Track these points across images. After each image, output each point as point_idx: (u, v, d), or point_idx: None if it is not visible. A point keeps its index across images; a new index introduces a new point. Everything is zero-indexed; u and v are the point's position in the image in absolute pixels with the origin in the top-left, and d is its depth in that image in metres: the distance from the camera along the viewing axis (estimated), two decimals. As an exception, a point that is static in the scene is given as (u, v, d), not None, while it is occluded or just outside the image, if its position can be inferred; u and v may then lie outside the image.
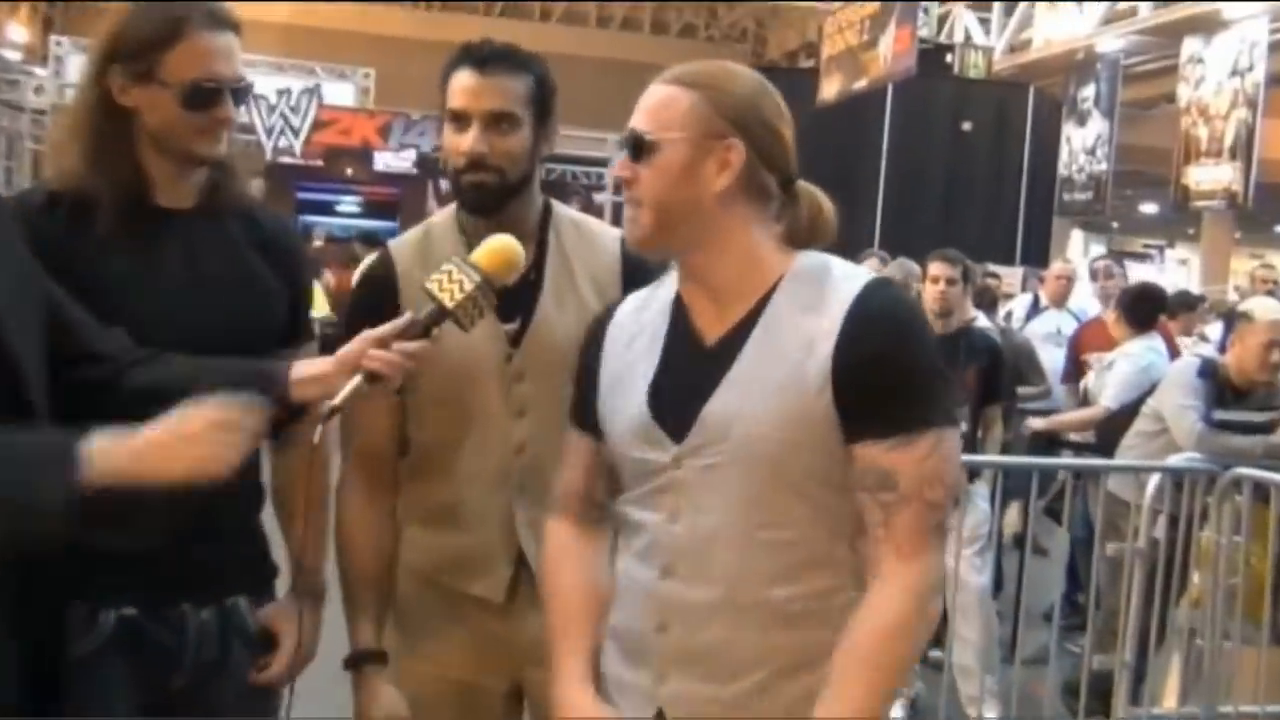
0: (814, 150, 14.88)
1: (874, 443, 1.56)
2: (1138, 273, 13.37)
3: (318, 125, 17.03)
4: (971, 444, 4.98)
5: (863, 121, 14.48)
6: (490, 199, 2.06)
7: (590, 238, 2.18)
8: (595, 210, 21.58)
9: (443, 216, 2.21)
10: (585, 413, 1.81)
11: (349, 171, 18.04)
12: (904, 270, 5.82)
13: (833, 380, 1.56)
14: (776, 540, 1.60)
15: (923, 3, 15.06)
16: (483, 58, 2.04)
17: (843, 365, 1.56)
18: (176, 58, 1.90)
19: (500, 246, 1.83)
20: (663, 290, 1.77)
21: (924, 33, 15.38)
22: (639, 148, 1.66)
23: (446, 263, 1.81)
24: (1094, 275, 7.81)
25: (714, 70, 1.69)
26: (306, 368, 1.81)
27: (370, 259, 2.36)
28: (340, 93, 18.53)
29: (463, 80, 2.04)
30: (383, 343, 1.79)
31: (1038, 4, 15.62)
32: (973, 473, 4.75)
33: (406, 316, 1.83)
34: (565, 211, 2.21)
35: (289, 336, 2.11)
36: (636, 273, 2.08)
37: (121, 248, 1.91)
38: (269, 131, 16.66)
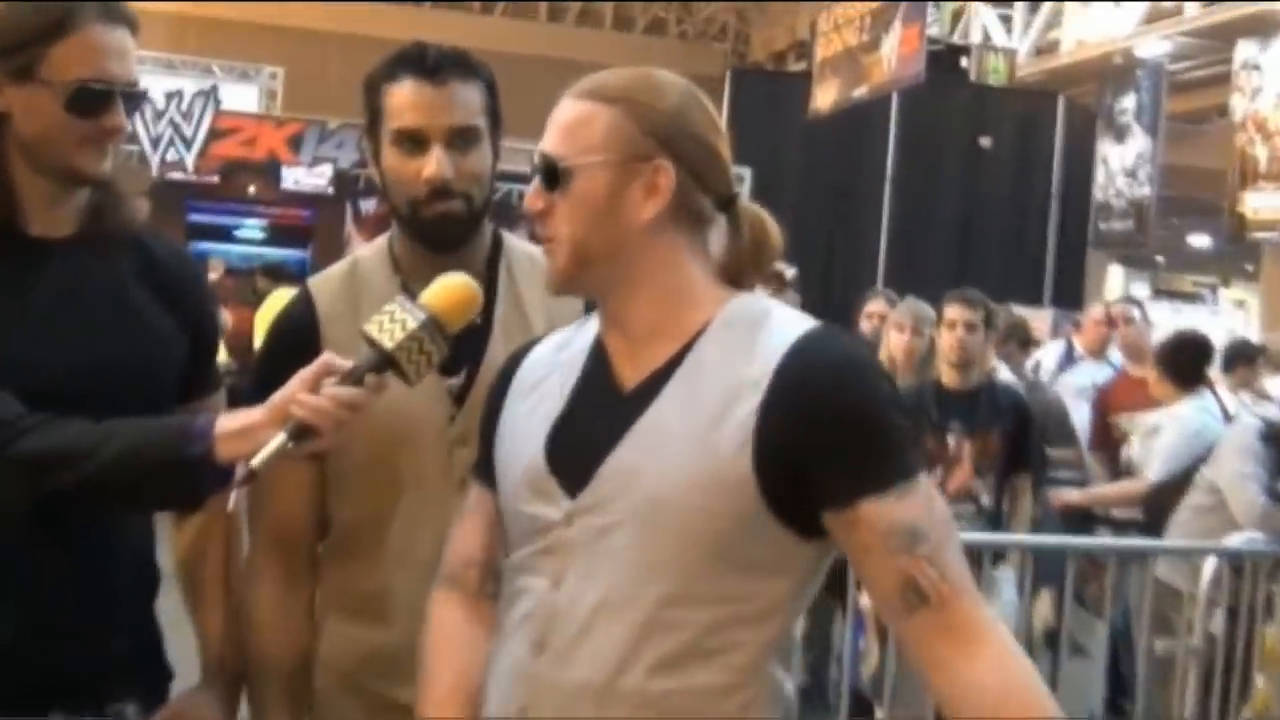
0: (805, 169, 15.04)
1: (877, 499, 1.58)
2: (1187, 316, 13.51)
3: (214, 135, 17.00)
4: (996, 520, 5.00)
5: (863, 135, 14.61)
6: (458, 230, 2.08)
7: None
8: (545, 238, 21.51)
9: (372, 250, 2.22)
10: (486, 464, 1.83)
11: (251, 190, 17.99)
12: (913, 312, 5.84)
13: (755, 441, 1.58)
14: (670, 620, 1.61)
15: (933, -3, 15.25)
16: (433, 65, 2.05)
17: (771, 424, 1.58)
18: (62, 53, 1.90)
19: (454, 285, 1.81)
20: (588, 327, 1.80)
21: (934, 32, 15.54)
22: (552, 175, 1.68)
23: (389, 303, 1.79)
24: (1110, 321, 7.64)
25: (632, 79, 1.71)
26: (232, 420, 1.80)
27: (276, 296, 2.36)
28: (242, 96, 18.57)
29: (410, 93, 2.05)
30: (313, 388, 1.77)
31: (1068, 0, 15.85)
32: (998, 554, 4.76)
33: (348, 361, 1.80)
34: (518, 244, 2.22)
35: (190, 388, 2.10)
36: None
37: None
38: (155, 142, 16.60)
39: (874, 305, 7.14)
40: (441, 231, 2.07)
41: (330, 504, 2.15)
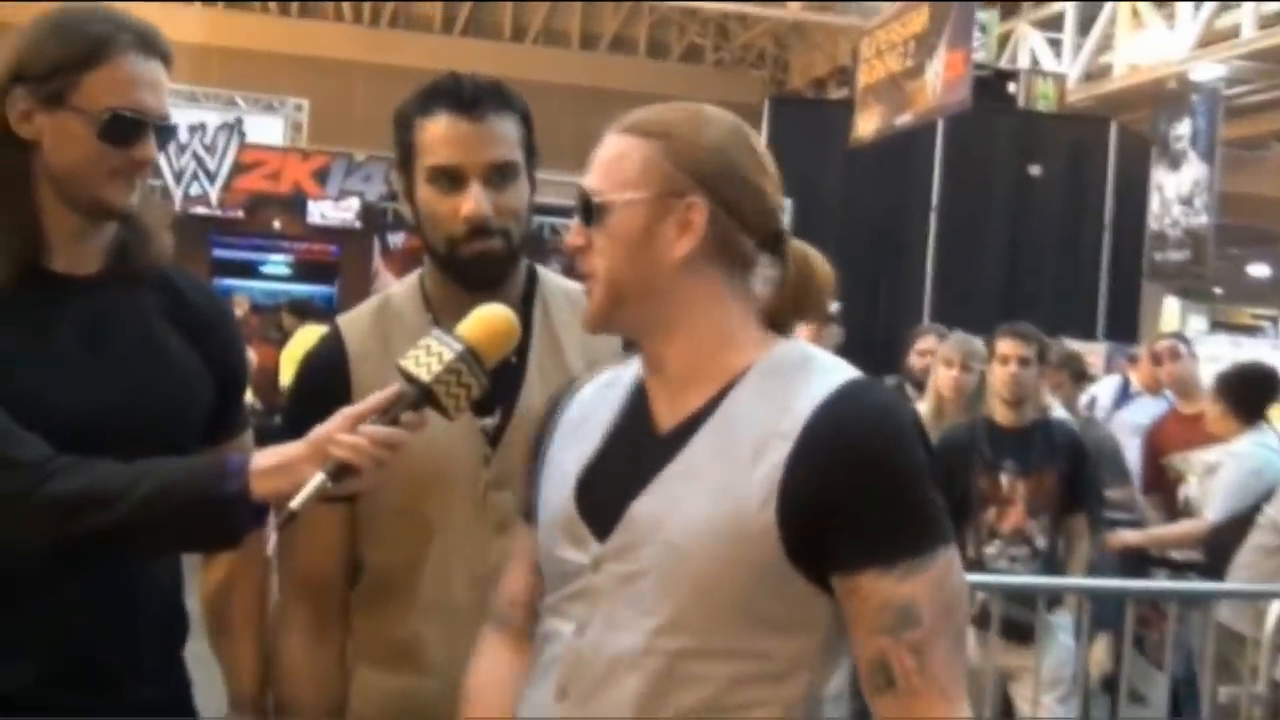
0: (848, 200, 15.03)
1: (881, 572, 1.57)
2: (1247, 350, 13.41)
3: (239, 168, 17.12)
4: (1051, 563, 4.97)
5: (908, 164, 14.60)
6: (496, 269, 2.09)
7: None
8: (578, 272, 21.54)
9: (404, 287, 2.23)
10: (531, 505, 1.85)
11: (277, 225, 18.11)
12: (962, 348, 5.82)
13: (780, 495, 1.58)
14: (690, 674, 1.60)
15: (979, 19, 15.24)
16: (469, 98, 2.06)
17: (796, 477, 1.58)
18: (97, 81, 1.93)
19: (491, 317, 1.81)
20: (634, 365, 1.81)
21: (981, 56, 15.56)
22: (589, 211, 1.70)
23: (425, 336, 1.79)
24: (1156, 358, 7.54)
25: (676, 115, 1.73)
26: (268, 457, 1.81)
27: (303, 333, 2.38)
28: (267, 128, 18.71)
29: (446, 128, 2.06)
30: (352, 428, 1.77)
31: (1119, 22, 15.85)
32: (1053, 599, 4.73)
33: (388, 391, 1.80)
34: (553, 280, 2.23)
35: (217, 428, 2.11)
36: None
37: (5, 321, 1.93)
38: (179, 176, 16.74)
39: (926, 342, 7.07)
40: (480, 270, 2.08)
41: (361, 549, 2.15)
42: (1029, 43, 17.82)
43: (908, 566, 1.57)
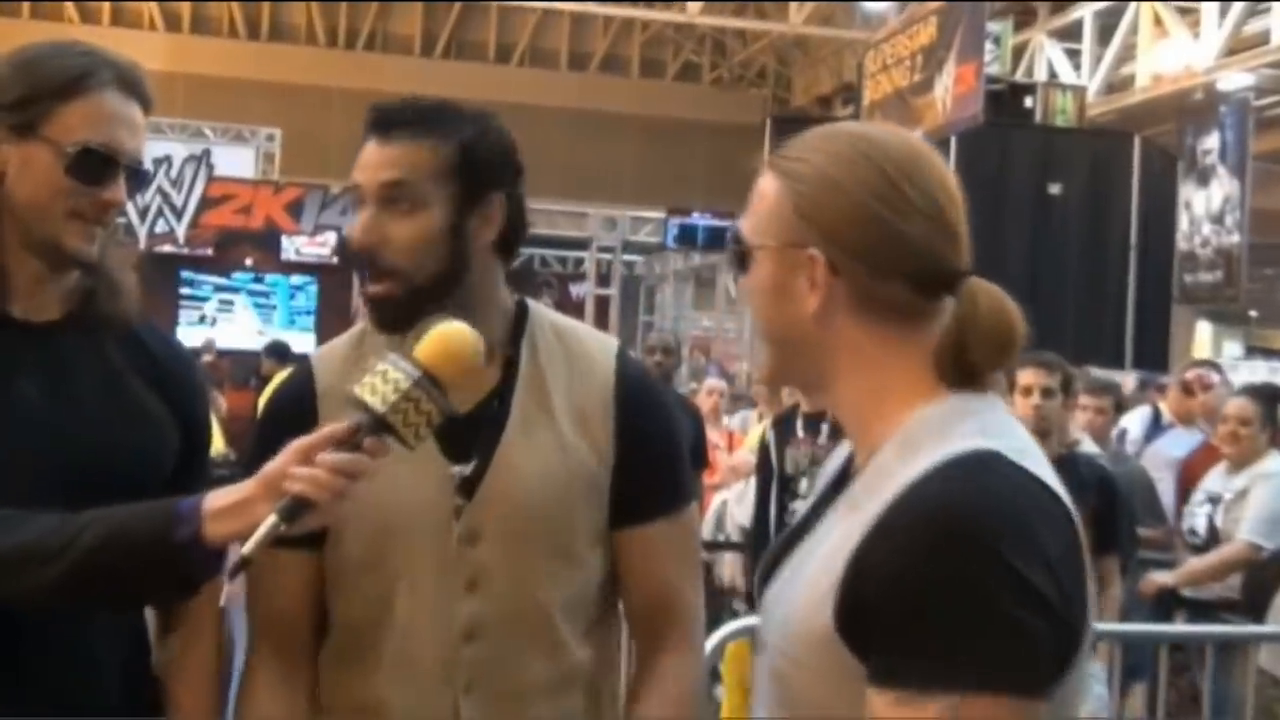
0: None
1: (881, 691, 1.40)
2: (1286, 376, 13.40)
3: (207, 203, 17.24)
4: (1081, 607, 4.96)
5: (919, 185, 14.65)
6: (397, 314, 2.03)
7: (577, 353, 2.16)
8: (573, 307, 21.73)
9: None
10: None
11: (249, 262, 18.20)
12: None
13: (839, 591, 1.45)
14: None
15: (992, 30, 15.31)
16: (386, 120, 2.06)
17: (855, 574, 1.44)
18: (72, 114, 1.94)
19: (449, 335, 1.79)
20: None
21: (995, 69, 15.64)
22: (736, 256, 1.65)
23: (381, 362, 1.77)
24: (1186, 388, 7.47)
25: (814, 149, 1.61)
26: (221, 497, 1.79)
27: (282, 377, 2.37)
28: (237, 160, 18.80)
29: (364, 150, 2.06)
30: (308, 460, 1.76)
31: (1141, 30, 15.91)
32: (1083, 645, 4.72)
33: (342, 425, 1.77)
34: (546, 318, 2.20)
35: (180, 482, 2.12)
36: (636, 403, 2.10)
37: None
38: (143, 213, 16.82)
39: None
40: (377, 312, 2.06)
41: (328, 603, 2.14)
42: (1046, 54, 17.90)
43: (899, 695, 1.38)
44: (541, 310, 2.20)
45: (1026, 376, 5.08)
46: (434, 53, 26.24)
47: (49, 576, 1.76)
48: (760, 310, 1.62)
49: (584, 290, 20.29)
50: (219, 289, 18.50)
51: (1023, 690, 1.36)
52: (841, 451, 1.76)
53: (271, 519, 1.71)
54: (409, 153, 2.03)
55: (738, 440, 8.70)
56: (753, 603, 1.67)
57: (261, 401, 10.77)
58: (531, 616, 2.04)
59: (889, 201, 1.54)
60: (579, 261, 20.52)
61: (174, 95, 23.62)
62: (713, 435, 8.33)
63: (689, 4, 20.64)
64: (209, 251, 17.86)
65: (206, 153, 17.31)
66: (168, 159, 16.84)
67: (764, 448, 5.67)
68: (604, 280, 19.80)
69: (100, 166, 1.95)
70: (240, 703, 2.15)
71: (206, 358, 14.88)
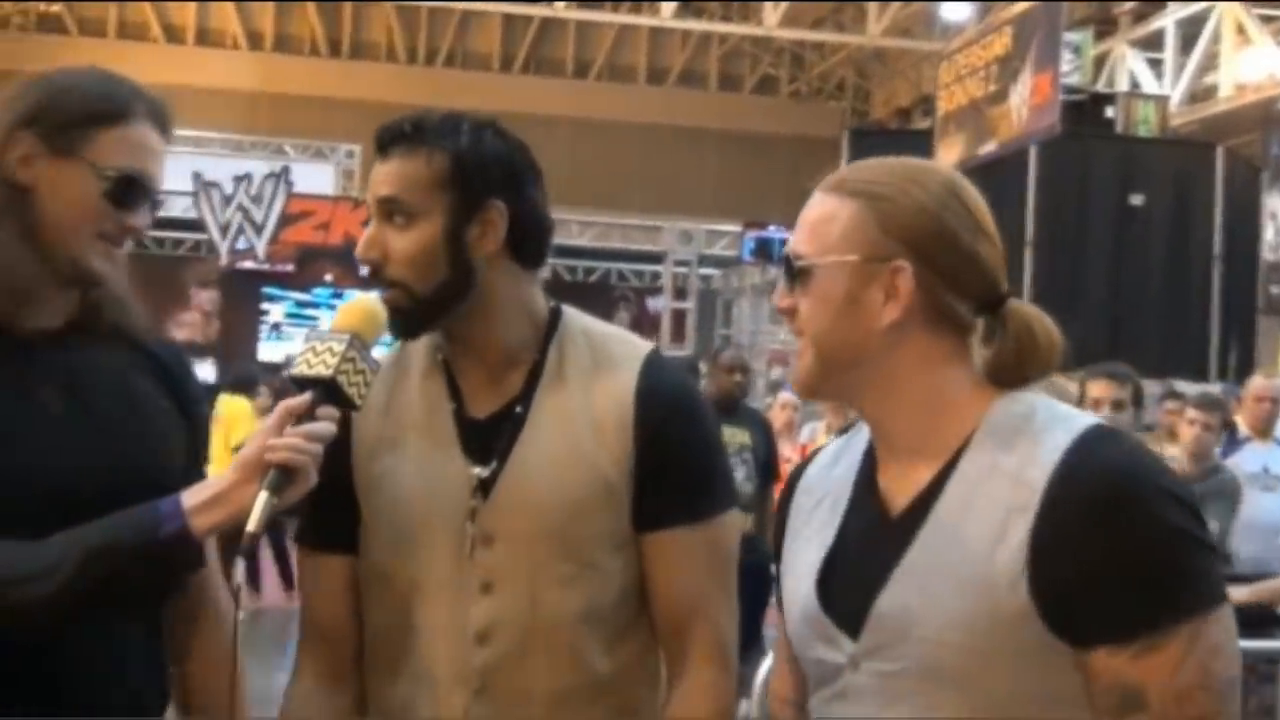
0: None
1: (1112, 650, 1.55)
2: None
3: (287, 219, 17.41)
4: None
5: (998, 195, 14.46)
6: (405, 323, 2.08)
7: (604, 361, 2.16)
8: (650, 321, 21.77)
9: (423, 339, 2.24)
10: (780, 598, 1.88)
11: (329, 277, 18.36)
12: (1056, 392, 5.78)
13: (1030, 571, 1.56)
14: None
15: (1072, 40, 15.20)
16: (387, 136, 2.10)
17: (1044, 549, 1.56)
18: (112, 140, 1.99)
19: (357, 305, 1.98)
20: (860, 436, 1.83)
21: (1075, 79, 15.51)
22: (794, 274, 1.73)
23: (308, 342, 1.91)
24: (1266, 398, 7.29)
25: (884, 174, 1.74)
26: (200, 491, 1.86)
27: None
28: (316, 176, 19.01)
29: (374, 167, 2.12)
30: (280, 433, 1.85)
31: (1224, 39, 15.74)
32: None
33: (296, 400, 1.89)
34: (579, 324, 2.20)
35: (190, 478, 2.14)
36: (658, 409, 2.10)
37: None
38: (224, 229, 17.03)
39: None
40: (389, 319, 2.08)
41: (363, 609, 2.17)
42: (1127, 64, 17.74)
43: (1146, 643, 1.53)
44: (575, 317, 2.21)
45: (1097, 389, 5.05)
46: (513, 69, 26.40)
47: (40, 597, 1.78)
48: (820, 323, 1.71)
49: (660, 304, 20.29)
50: (300, 305, 18.70)
51: (1224, 596, 1.59)
52: (834, 468, 1.84)
53: (264, 495, 1.81)
54: (403, 167, 2.07)
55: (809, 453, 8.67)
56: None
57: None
58: (545, 620, 2.05)
59: (961, 220, 1.70)
60: (655, 275, 20.53)
61: (257, 113, 23.99)
62: (785, 449, 8.34)
63: (767, 17, 20.62)
64: (289, 268, 18.05)
65: (285, 170, 17.49)
66: (248, 176, 17.05)
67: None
68: (680, 294, 19.82)
69: (135, 193, 2.01)
70: (286, 705, 2.18)
71: (287, 373, 15.04)
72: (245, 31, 26.01)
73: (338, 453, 2.01)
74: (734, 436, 7.19)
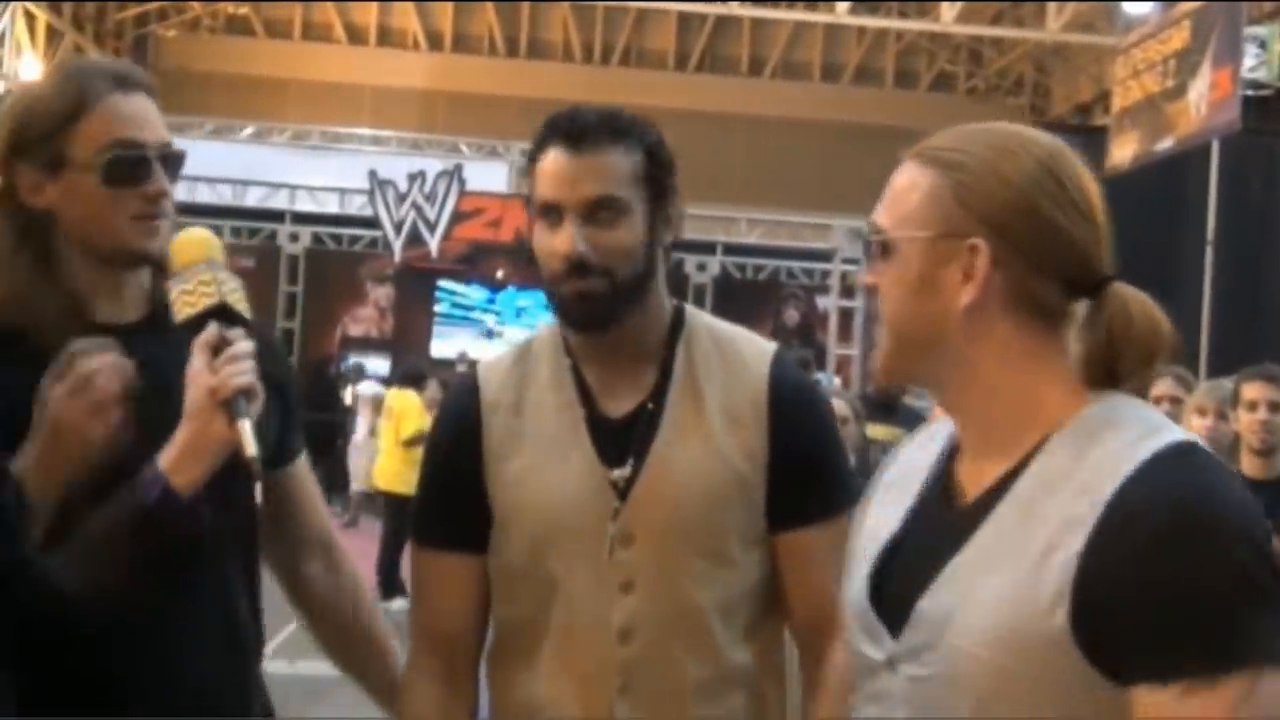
0: (1113, 234, 14.78)
1: (1153, 689, 1.41)
2: None
3: (459, 216, 17.61)
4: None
5: (1180, 194, 14.20)
6: (599, 311, 2.10)
7: (731, 357, 2.19)
8: (818, 319, 21.66)
9: (546, 333, 2.26)
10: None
11: (500, 274, 18.56)
12: (1217, 395, 5.62)
13: (1073, 593, 1.44)
14: None
15: (1258, 34, 14.79)
16: (576, 131, 2.09)
17: (1092, 571, 1.44)
18: (87, 131, 2.04)
19: (190, 239, 2.01)
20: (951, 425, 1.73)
21: (1261, 75, 15.08)
22: (873, 248, 1.65)
23: (174, 289, 1.98)
24: None
25: (975, 142, 1.61)
26: (169, 451, 1.89)
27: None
28: (488, 174, 19.17)
29: (552, 162, 2.10)
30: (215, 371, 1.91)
31: None
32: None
33: (206, 334, 1.94)
34: (704, 323, 2.23)
35: (275, 454, 2.22)
36: (790, 406, 2.12)
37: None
38: (398, 226, 17.30)
39: (1162, 387, 6.76)
40: (578, 310, 2.11)
41: (493, 600, 2.20)
42: (1317, 57, 17.19)
43: (1188, 686, 1.39)
44: (699, 316, 2.24)
45: (1251, 390, 4.92)
46: (688, 67, 26.42)
47: (72, 595, 1.83)
48: (897, 303, 1.61)
49: (828, 302, 20.15)
50: (455, 305, 18.89)
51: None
52: (917, 453, 1.74)
53: (245, 422, 1.88)
54: (607, 162, 2.09)
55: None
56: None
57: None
58: (686, 617, 2.07)
59: (1053, 196, 1.56)
60: (825, 274, 20.38)
61: (435, 112, 24.35)
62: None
63: (944, 13, 20.35)
64: (462, 266, 18.28)
65: (458, 167, 17.71)
66: (421, 174, 17.29)
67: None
68: (848, 292, 19.63)
69: (131, 165, 2.05)
70: (403, 698, 2.23)
71: (460, 367, 15.26)
72: (425, 31, 26.40)
73: (467, 452, 2.11)
74: (894, 435, 7.13)
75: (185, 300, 1.93)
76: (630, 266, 2.09)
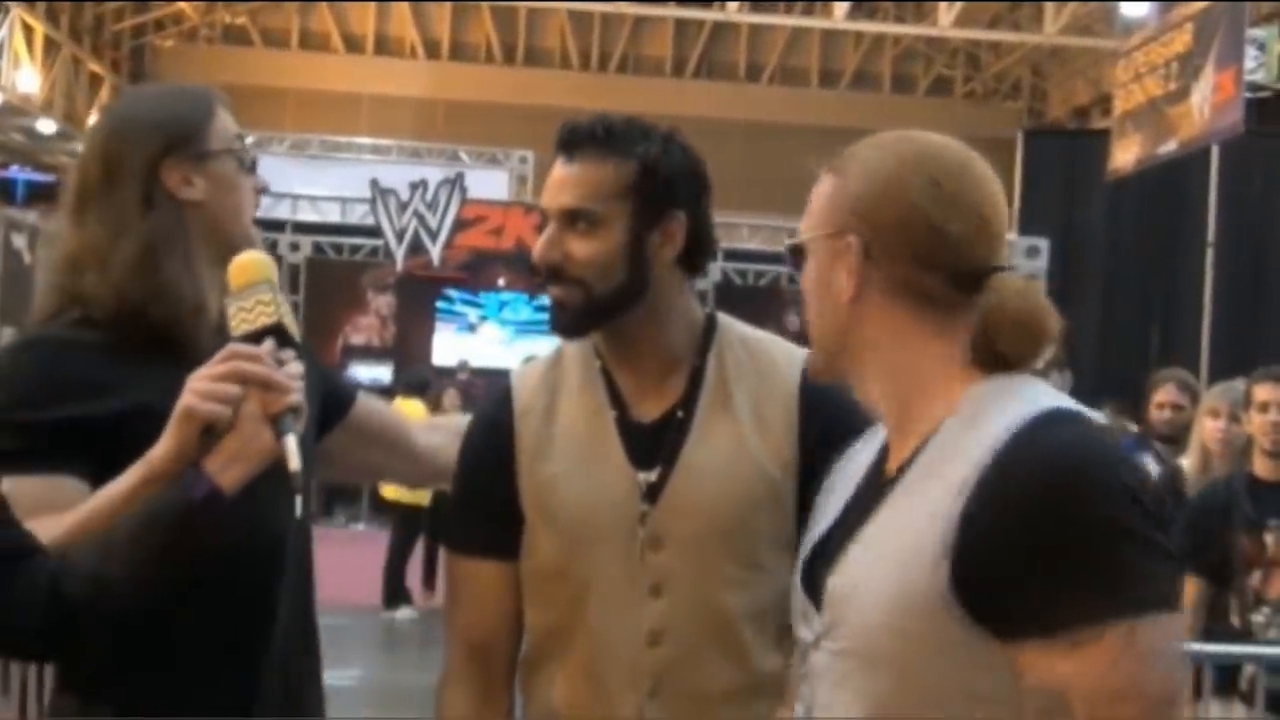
0: (1112, 237, 14.82)
1: (1042, 644, 1.49)
2: None
3: (460, 225, 17.57)
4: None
5: (1180, 197, 14.26)
6: (571, 319, 2.13)
7: (763, 363, 2.21)
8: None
9: (579, 342, 2.29)
10: None
11: (501, 282, 18.56)
12: (1229, 396, 5.66)
13: (954, 553, 1.51)
14: None
15: (1257, 37, 14.82)
16: (570, 140, 2.13)
17: (970, 532, 1.51)
18: (218, 126, 2.19)
19: (249, 261, 2.02)
20: None
21: (1261, 77, 15.11)
22: (791, 254, 1.77)
23: (230, 306, 1.98)
24: None
25: (866, 145, 1.73)
26: (215, 458, 1.91)
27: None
28: (489, 182, 19.14)
29: (553, 169, 2.16)
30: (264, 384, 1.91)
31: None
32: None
33: (258, 349, 1.94)
34: (737, 331, 2.25)
35: (333, 410, 2.36)
36: (821, 410, 2.13)
37: (180, 372, 2.02)
38: (400, 235, 17.28)
39: (1165, 392, 6.65)
40: (554, 315, 2.15)
41: (525, 606, 2.22)
42: (1316, 59, 17.23)
43: (1075, 639, 1.47)
44: (731, 324, 2.27)
45: (1262, 392, 4.93)
46: (685, 73, 26.47)
47: (116, 598, 1.89)
48: (810, 303, 1.73)
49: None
50: (449, 312, 18.86)
51: (1175, 604, 1.52)
52: (864, 448, 1.82)
53: (291, 437, 1.89)
54: (589, 174, 2.12)
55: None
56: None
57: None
58: (715, 621, 2.09)
59: (926, 193, 1.65)
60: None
61: (434, 120, 24.37)
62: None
63: (941, 17, 20.40)
64: (463, 274, 18.24)
65: (460, 176, 17.65)
66: (423, 183, 17.25)
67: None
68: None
69: (248, 155, 2.24)
70: (440, 704, 2.25)
71: (461, 376, 15.24)
72: (422, 39, 26.44)
73: (500, 458, 2.14)
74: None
75: (243, 317, 1.96)
76: (606, 280, 2.10)
